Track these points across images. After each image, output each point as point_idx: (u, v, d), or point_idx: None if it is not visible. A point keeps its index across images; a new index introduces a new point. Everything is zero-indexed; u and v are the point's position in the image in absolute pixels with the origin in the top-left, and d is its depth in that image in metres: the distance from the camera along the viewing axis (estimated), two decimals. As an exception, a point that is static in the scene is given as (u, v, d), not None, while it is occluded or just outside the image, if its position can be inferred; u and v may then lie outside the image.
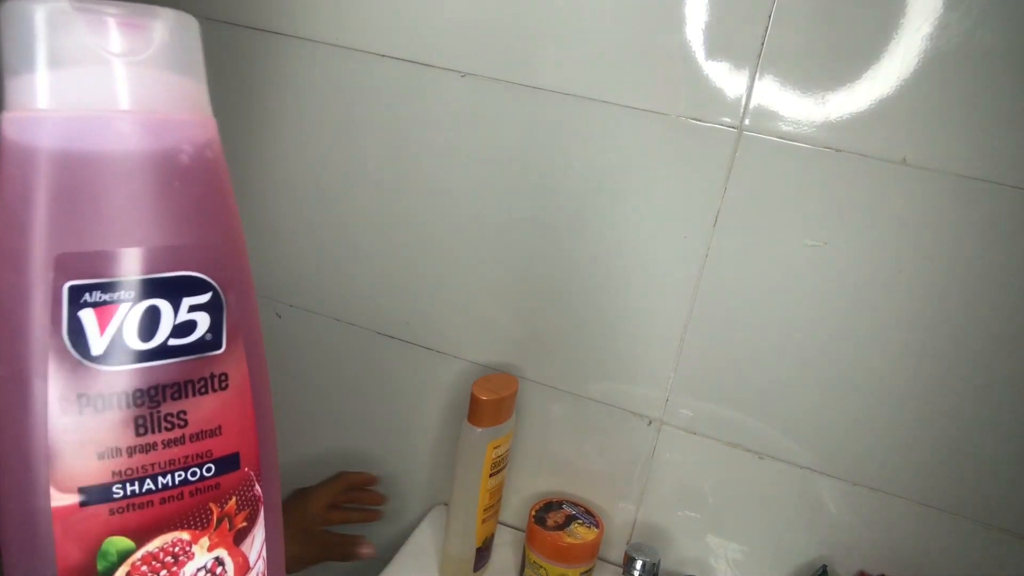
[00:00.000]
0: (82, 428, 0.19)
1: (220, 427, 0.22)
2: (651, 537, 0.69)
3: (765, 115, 0.55)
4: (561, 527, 0.63)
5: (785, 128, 0.54)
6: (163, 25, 0.20)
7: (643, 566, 0.61)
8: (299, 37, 0.66)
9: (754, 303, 0.59)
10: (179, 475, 0.21)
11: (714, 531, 0.67)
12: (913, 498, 0.60)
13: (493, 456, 0.61)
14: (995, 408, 0.56)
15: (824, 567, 0.61)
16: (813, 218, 0.56)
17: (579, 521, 0.64)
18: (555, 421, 0.69)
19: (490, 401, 0.59)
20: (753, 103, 0.55)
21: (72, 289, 0.19)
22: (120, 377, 0.20)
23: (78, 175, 0.19)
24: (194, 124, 0.21)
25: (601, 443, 0.68)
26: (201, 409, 0.21)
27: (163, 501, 0.21)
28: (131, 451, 0.20)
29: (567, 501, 0.68)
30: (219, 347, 0.22)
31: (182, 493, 0.21)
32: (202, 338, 0.21)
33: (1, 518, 0.20)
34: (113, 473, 0.20)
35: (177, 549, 0.22)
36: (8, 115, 0.19)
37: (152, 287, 0.20)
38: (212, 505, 0.22)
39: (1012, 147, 0.50)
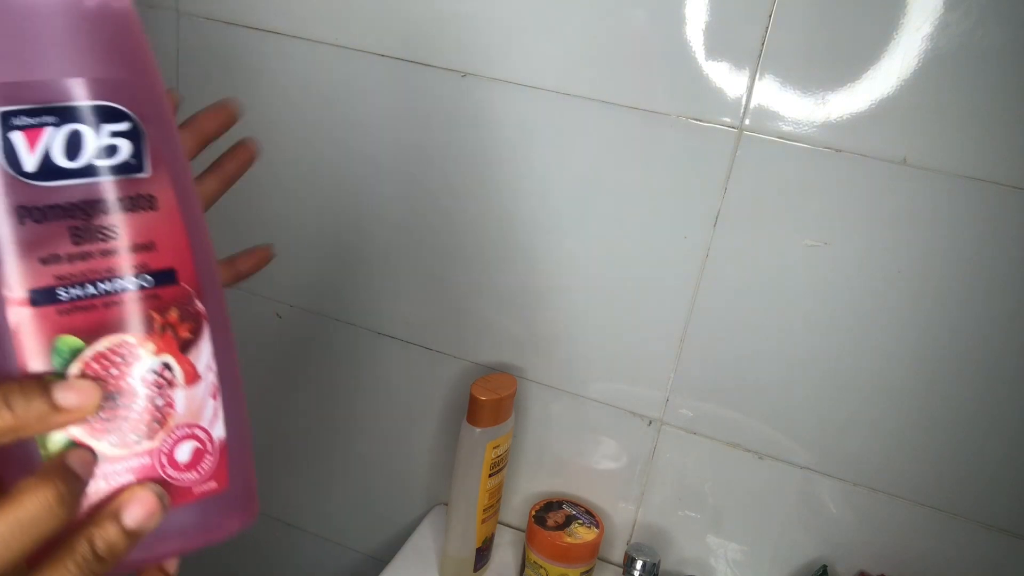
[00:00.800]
0: (25, 237, 0.23)
1: (153, 243, 0.25)
2: (651, 537, 0.69)
3: (765, 115, 0.55)
4: (561, 527, 0.63)
5: (785, 128, 0.54)
6: None
7: (643, 566, 0.61)
8: (299, 37, 0.66)
9: (754, 303, 0.59)
10: (118, 282, 0.24)
11: (714, 531, 0.67)
12: (913, 498, 0.60)
13: (492, 456, 0.61)
14: (995, 408, 0.56)
15: (824, 567, 0.61)
16: (813, 218, 0.56)
17: (579, 521, 0.64)
18: (555, 421, 0.69)
19: (489, 401, 0.59)
20: (753, 103, 0.55)
21: (3, 114, 0.22)
22: (53, 192, 0.23)
23: (3, 15, 0.22)
24: None
25: (601, 443, 0.68)
26: (132, 225, 0.24)
27: (106, 305, 0.24)
28: (71, 258, 0.23)
29: (567, 501, 0.68)
30: (142, 170, 0.25)
31: (123, 300, 0.24)
32: (125, 162, 0.24)
33: None
34: (56, 277, 0.23)
35: (124, 350, 0.24)
36: None
37: (74, 113, 0.23)
38: (153, 313, 0.25)
39: (1012, 147, 0.50)
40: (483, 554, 0.66)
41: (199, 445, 0.26)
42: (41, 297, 0.23)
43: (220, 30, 0.68)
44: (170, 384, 0.26)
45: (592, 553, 0.63)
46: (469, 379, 0.70)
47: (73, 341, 0.24)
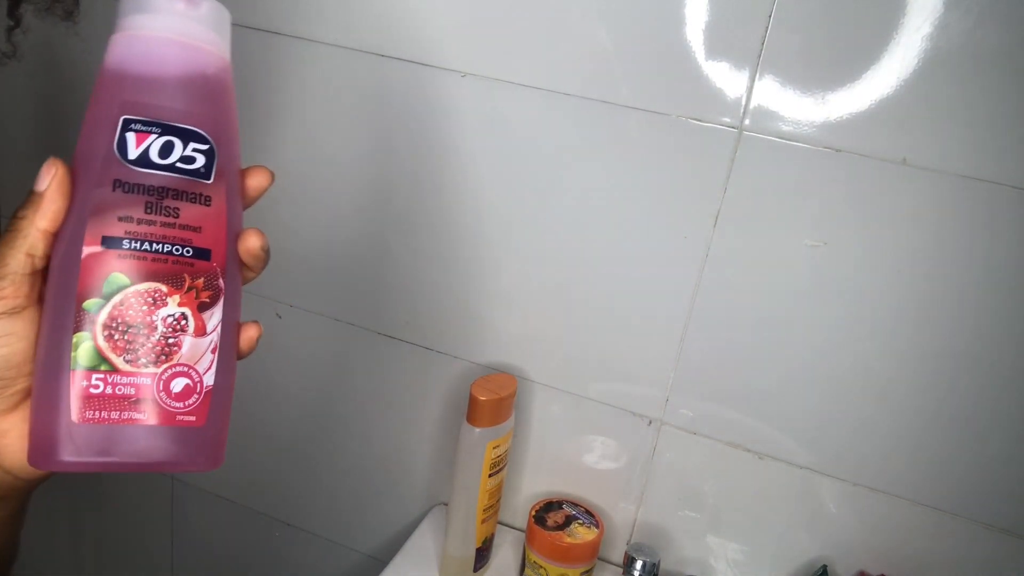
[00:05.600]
0: (113, 200, 0.31)
1: (200, 228, 0.33)
2: (651, 537, 0.69)
3: (765, 115, 0.55)
4: (561, 527, 0.63)
5: (785, 128, 0.54)
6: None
7: (643, 566, 0.61)
8: (299, 37, 0.66)
9: (754, 303, 0.59)
10: (167, 247, 0.32)
11: (714, 531, 0.67)
12: (913, 498, 0.60)
13: (492, 456, 0.61)
14: (996, 408, 0.56)
15: (824, 567, 0.61)
16: (813, 218, 0.56)
17: (579, 521, 0.64)
18: (555, 421, 0.69)
19: (489, 401, 0.59)
20: (753, 103, 0.55)
21: (124, 120, 0.32)
22: (142, 175, 0.32)
23: (142, 82, 0.33)
24: (213, 53, 0.35)
25: (601, 443, 0.68)
26: (189, 211, 0.33)
27: (154, 260, 0.32)
28: (140, 221, 0.32)
29: (567, 501, 0.68)
30: (208, 178, 0.33)
31: (167, 259, 0.32)
32: (198, 169, 0.33)
33: (55, 249, 0.32)
34: (125, 232, 0.31)
35: (156, 295, 0.32)
36: (117, 36, 0.33)
37: (172, 130, 0.32)
38: (186, 275, 0.33)
39: (1012, 147, 0.50)
40: (483, 554, 0.66)
41: (190, 383, 0.33)
42: (110, 244, 0.31)
43: (220, 30, 0.68)
44: (183, 330, 0.33)
45: (592, 553, 0.63)
46: (469, 379, 0.70)
47: (122, 279, 0.31)
